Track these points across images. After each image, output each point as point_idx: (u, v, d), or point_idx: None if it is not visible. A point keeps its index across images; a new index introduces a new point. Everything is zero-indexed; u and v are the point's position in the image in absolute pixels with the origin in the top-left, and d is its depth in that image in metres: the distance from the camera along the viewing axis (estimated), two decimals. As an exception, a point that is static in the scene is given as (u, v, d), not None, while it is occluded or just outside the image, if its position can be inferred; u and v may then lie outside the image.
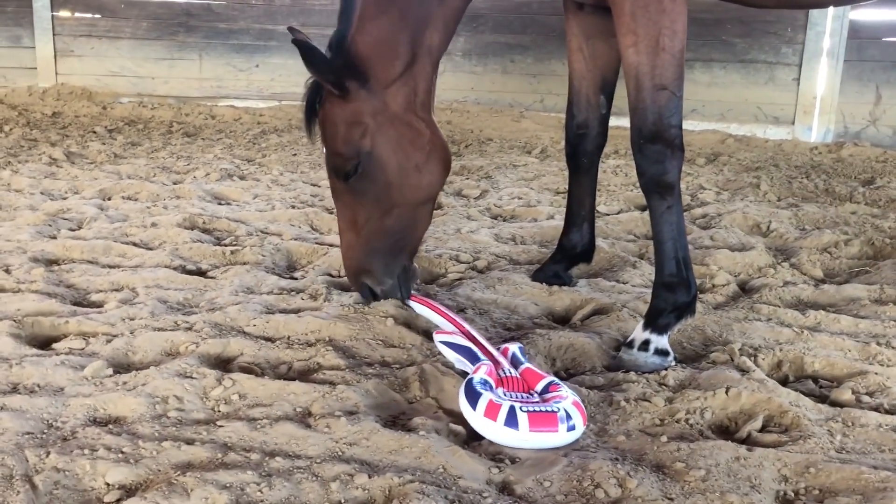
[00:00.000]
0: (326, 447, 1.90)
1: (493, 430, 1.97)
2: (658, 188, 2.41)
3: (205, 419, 2.04)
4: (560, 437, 1.95)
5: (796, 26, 6.99)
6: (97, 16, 7.93)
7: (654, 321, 2.47)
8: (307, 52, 2.37)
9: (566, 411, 1.97)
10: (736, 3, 2.66)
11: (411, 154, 2.58)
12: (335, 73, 2.45)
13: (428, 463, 1.84)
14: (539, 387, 2.12)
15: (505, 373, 2.18)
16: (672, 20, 2.32)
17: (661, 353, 2.44)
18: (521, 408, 1.97)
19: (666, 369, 2.39)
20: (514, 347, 2.30)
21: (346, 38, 2.51)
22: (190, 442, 1.89)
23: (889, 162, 5.94)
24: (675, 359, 2.47)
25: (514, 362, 2.24)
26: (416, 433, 1.95)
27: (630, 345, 2.48)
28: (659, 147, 2.38)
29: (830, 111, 6.98)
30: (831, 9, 6.79)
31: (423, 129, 2.60)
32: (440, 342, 2.36)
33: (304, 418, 2.05)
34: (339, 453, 1.88)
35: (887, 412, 2.17)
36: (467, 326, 2.44)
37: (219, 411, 2.08)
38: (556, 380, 2.14)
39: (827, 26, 6.87)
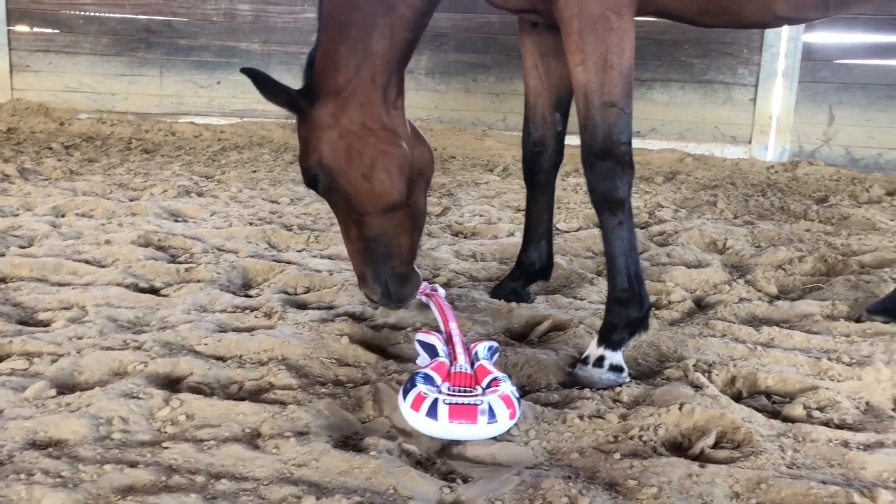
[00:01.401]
0: (274, 469, 1.86)
1: (417, 421, 2.06)
2: (608, 205, 2.43)
3: (150, 441, 1.98)
4: (479, 429, 2.02)
5: (752, 47, 7.13)
6: (55, 31, 7.82)
7: (608, 337, 2.47)
8: (256, 79, 2.47)
9: (489, 405, 2.04)
10: (685, 22, 2.70)
11: (358, 164, 2.58)
12: (284, 95, 2.54)
13: (378, 484, 1.81)
14: (484, 382, 2.20)
15: (457, 369, 2.24)
16: (619, 38, 2.34)
17: (616, 369, 2.44)
18: (444, 400, 2.05)
19: (620, 385, 2.39)
20: (481, 345, 2.36)
21: (312, 56, 2.60)
22: (133, 465, 1.84)
23: (842, 181, 6.06)
24: (629, 375, 2.47)
25: (475, 359, 2.30)
26: (367, 454, 1.92)
27: (585, 361, 2.48)
28: (609, 164, 2.39)
29: (786, 131, 7.12)
30: (786, 31, 6.95)
31: (371, 139, 2.58)
32: (416, 340, 2.43)
33: (252, 439, 2.00)
34: (288, 475, 1.84)
35: (837, 427, 2.19)
36: (453, 324, 2.46)
37: (165, 432, 2.03)
38: (501, 375, 2.21)
39: (782, 48, 7.02)
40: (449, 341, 2.37)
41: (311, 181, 2.65)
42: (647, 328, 2.55)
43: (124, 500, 1.69)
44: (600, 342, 2.48)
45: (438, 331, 2.48)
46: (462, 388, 2.19)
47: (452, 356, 2.29)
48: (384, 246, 2.65)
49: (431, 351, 2.33)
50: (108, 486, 1.75)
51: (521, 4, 2.64)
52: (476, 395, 2.13)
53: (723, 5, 2.56)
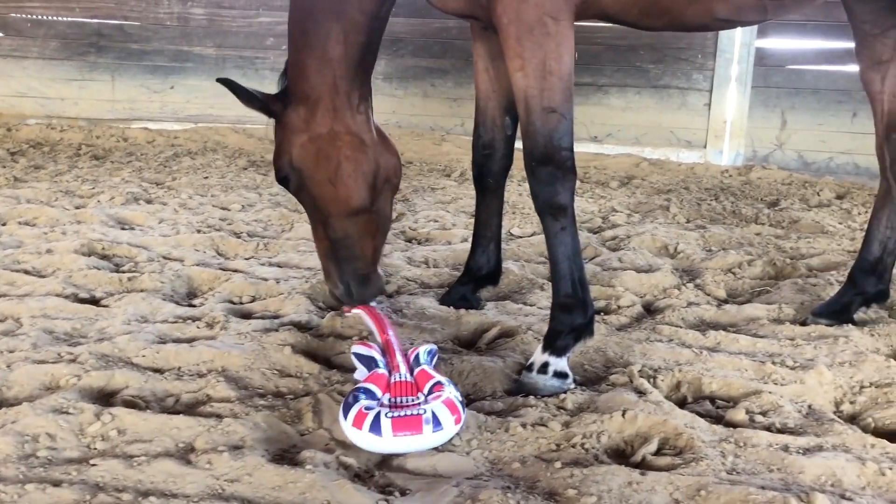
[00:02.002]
0: (206, 484, 1.81)
1: (360, 439, 2.01)
2: (551, 210, 2.41)
3: (77, 458, 1.92)
4: (425, 439, 1.99)
5: (706, 53, 7.20)
6: (0, 34, 7.62)
7: (553, 343, 2.46)
8: (233, 89, 2.55)
9: (433, 413, 2.00)
10: (627, 25, 2.71)
11: (324, 168, 2.61)
12: (258, 102, 2.61)
13: (313, 498, 1.77)
14: (426, 388, 2.16)
15: (398, 377, 2.20)
16: (558, 44, 2.33)
17: (560, 375, 2.42)
18: (385, 414, 2.00)
19: (565, 392, 2.38)
20: (421, 350, 2.31)
21: (287, 63, 2.67)
22: (57, 483, 1.78)
23: (794, 184, 6.14)
24: (574, 381, 2.46)
25: (415, 364, 2.26)
26: (302, 467, 1.88)
27: (530, 368, 2.46)
28: (550, 169, 2.38)
29: (740, 135, 7.20)
30: (739, 36, 7.04)
31: (337, 144, 2.60)
32: (352, 353, 2.36)
33: (185, 454, 1.95)
34: (219, 491, 1.79)
35: (778, 431, 2.19)
36: (390, 333, 2.41)
37: (94, 449, 1.97)
38: (443, 379, 2.18)
39: (735, 53, 7.10)
40: (387, 351, 2.32)
41: (282, 181, 2.70)
42: (592, 334, 2.53)
43: (44, 521, 1.62)
44: (545, 348, 2.46)
45: (376, 342, 2.43)
46: (404, 398, 2.14)
47: (391, 365, 2.24)
48: (348, 248, 2.67)
49: (369, 363, 2.26)
50: (29, 507, 1.68)
51: (459, 8, 2.63)
52: (419, 404, 2.10)
53: (663, 8, 2.56)
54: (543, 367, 2.42)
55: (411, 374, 2.22)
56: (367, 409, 2.03)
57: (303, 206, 2.77)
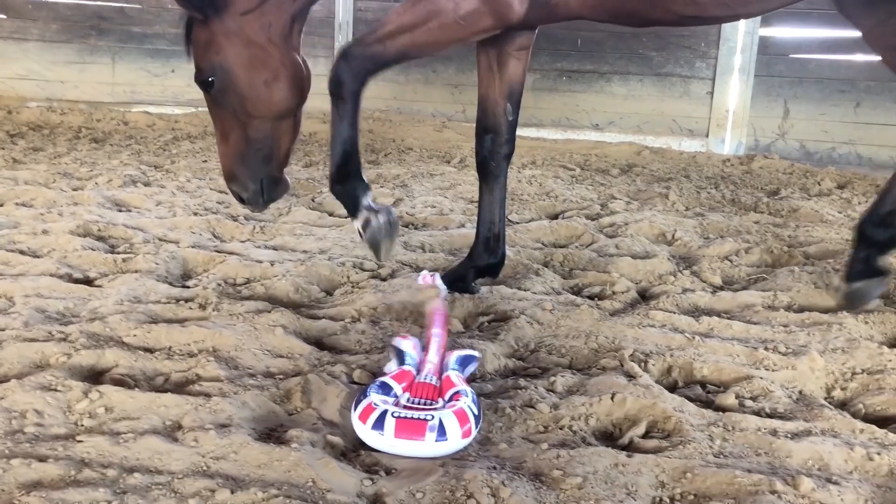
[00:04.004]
0: (191, 462, 1.81)
1: (363, 432, 1.96)
2: (335, 93, 2.66)
3: (64, 434, 1.92)
4: (426, 446, 1.91)
5: (710, 41, 7.16)
6: (2, 16, 7.61)
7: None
8: None
9: (440, 421, 1.92)
10: (602, 22, 2.79)
11: (260, 71, 2.82)
12: (197, 2, 2.76)
13: (297, 477, 1.77)
14: (448, 395, 2.10)
15: (423, 378, 2.15)
16: (440, 20, 2.59)
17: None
18: (392, 413, 1.95)
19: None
20: (454, 354, 2.27)
21: None
22: (43, 459, 1.78)
23: (795, 174, 6.12)
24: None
25: (445, 369, 2.21)
26: (288, 446, 1.88)
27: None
28: (344, 64, 2.64)
29: (742, 124, 7.17)
30: (742, 25, 7.00)
31: (275, 53, 2.84)
32: (390, 344, 2.33)
33: (172, 432, 1.95)
34: (204, 468, 1.79)
35: (768, 416, 2.19)
36: (439, 330, 2.36)
37: (81, 426, 1.97)
38: (465, 389, 2.10)
39: (738, 42, 7.06)
40: (426, 347, 2.27)
41: (204, 81, 2.84)
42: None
43: (28, 495, 1.63)
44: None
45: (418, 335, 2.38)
46: (423, 400, 2.09)
47: (421, 364, 2.20)
48: (266, 149, 2.90)
49: (401, 357, 2.22)
50: (13, 482, 1.69)
51: None
52: (433, 409, 2.01)
53: (630, 10, 2.64)
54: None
55: (440, 377, 2.17)
56: (376, 404, 1.98)
57: (216, 109, 2.91)
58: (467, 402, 2.02)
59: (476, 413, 2.02)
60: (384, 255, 2.67)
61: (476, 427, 2.00)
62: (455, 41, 2.72)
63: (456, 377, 2.16)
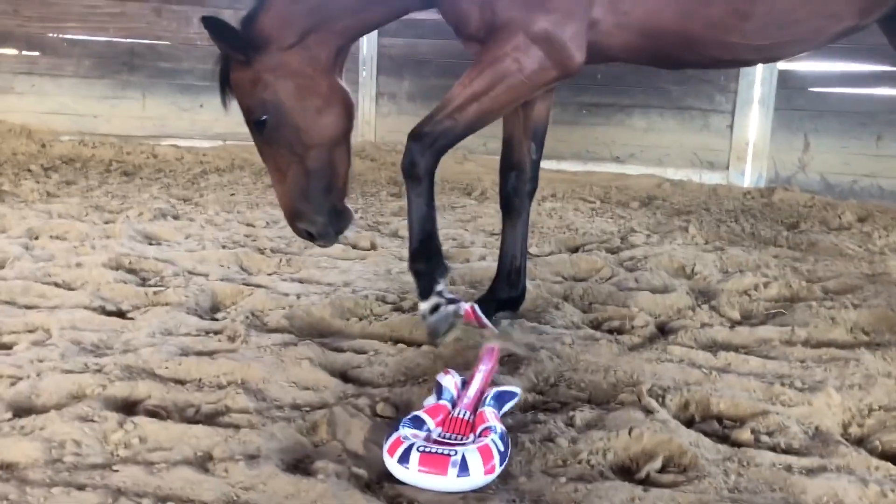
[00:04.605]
0: (222, 491, 1.88)
1: (390, 465, 2.02)
2: (410, 176, 2.79)
3: (101, 464, 2.00)
4: (448, 481, 1.96)
5: (729, 75, 7.23)
6: (38, 53, 7.86)
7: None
8: (215, 27, 2.74)
9: (463, 457, 1.97)
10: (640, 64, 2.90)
11: (311, 99, 2.90)
12: (238, 43, 2.82)
13: (323, 507, 1.83)
14: (479, 430, 2.15)
15: (456, 414, 2.22)
16: (507, 92, 2.70)
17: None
18: (417, 447, 2.00)
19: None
20: (493, 390, 2.34)
21: (255, 16, 2.87)
22: (81, 487, 1.86)
23: (815, 207, 6.14)
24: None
25: (482, 405, 2.27)
26: (315, 477, 1.95)
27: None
28: (418, 145, 2.78)
29: (763, 157, 7.21)
30: (761, 59, 7.06)
31: (322, 81, 2.92)
32: (436, 379, 2.40)
33: (203, 462, 2.02)
34: (235, 498, 1.86)
35: (783, 451, 2.22)
36: (484, 367, 2.40)
37: (117, 455, 2.05)
38: (495, 425, 2.14)
39: (758, 75, 7.12)
40: (466, 383, 2.33)
41: (257, 122, 2.90)
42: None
43: (68, 523, 1.71)
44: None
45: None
46: (454, 436, 2.15)
47: (459, 400, 2.26)
48: (326, 179, 2.96)
49: (440, 392, 2.30)
50: (54, 509, 1.77)
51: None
52: (460, 445, 2.07)
53: (666, 53, 2.76)
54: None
55: (474, 412, 2.21)
56: (405, 438, 2.04)
57: (271, 148, 2.94)
58: (493, 439, 2.06)
59: (502, 450, 2.04)
60: (439, 341, 2.77)
61: (501, 464, 2.03)
62: (522, 99, 2.83)
63: (490, 413, 2.21)
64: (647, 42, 2.74)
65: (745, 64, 3.27)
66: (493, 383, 2.42)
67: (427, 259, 2.82)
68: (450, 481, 1.95)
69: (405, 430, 2.09)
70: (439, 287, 2.80)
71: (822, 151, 7.07)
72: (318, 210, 2.97)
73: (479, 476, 1.98)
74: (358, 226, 3.19)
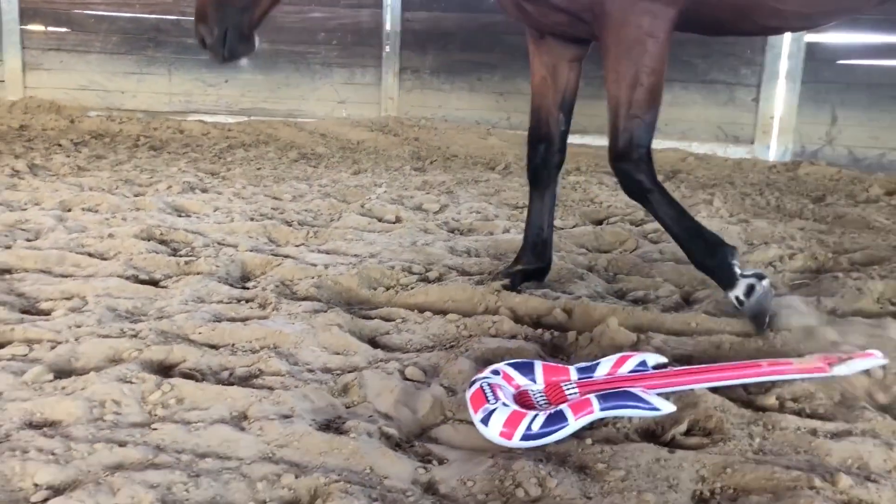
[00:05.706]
0: (258, 449, 1.94)
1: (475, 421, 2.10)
2: (639, 195, 2.76)
3: (140, 422, 2.07)
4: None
5: (755, 48, 7.16)
6: (66, 30, 7.95)
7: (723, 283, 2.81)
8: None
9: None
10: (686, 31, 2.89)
11: None
12: None
13: (356, 464, 1.89)
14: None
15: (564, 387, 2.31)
16: (652, 59, 2.57)
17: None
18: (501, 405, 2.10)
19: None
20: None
21: None
22: (122, 444, 1.93)
23: (841, 181, 6.09)
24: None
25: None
26: (347, 435, 2.00)
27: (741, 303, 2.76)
28: (627, 166, 2.73)
29: (789, 131, 7.15)
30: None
31: None
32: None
33: (238, 421, 2.09)
34: (270, 455, 1.92)
35: (808, 416, 2.24)
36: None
37: (155, 415, 2.12)
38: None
39: (785, 48, 7.04)
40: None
41: None
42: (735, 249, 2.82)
43: (112, 476, 1.77)
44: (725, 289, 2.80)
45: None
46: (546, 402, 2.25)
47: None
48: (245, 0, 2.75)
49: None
50: (98, 464, 1.84)
51: (559, 23, 2.86)
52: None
53: (719, 20, 2.77)
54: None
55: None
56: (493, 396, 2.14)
57: None
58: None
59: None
60: (767, 322, 2.68)
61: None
62: (668, 51, 2.74)
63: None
64: (705, 10, 2.72)
65: (794, 30, 3.30)
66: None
67: (710, 252, 2.75)
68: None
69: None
70: (738, 269, 2.71)
71: (849, 125, 7.00)
72: (222, 22, 2.76)
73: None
74: (252, 59, 2.99)
